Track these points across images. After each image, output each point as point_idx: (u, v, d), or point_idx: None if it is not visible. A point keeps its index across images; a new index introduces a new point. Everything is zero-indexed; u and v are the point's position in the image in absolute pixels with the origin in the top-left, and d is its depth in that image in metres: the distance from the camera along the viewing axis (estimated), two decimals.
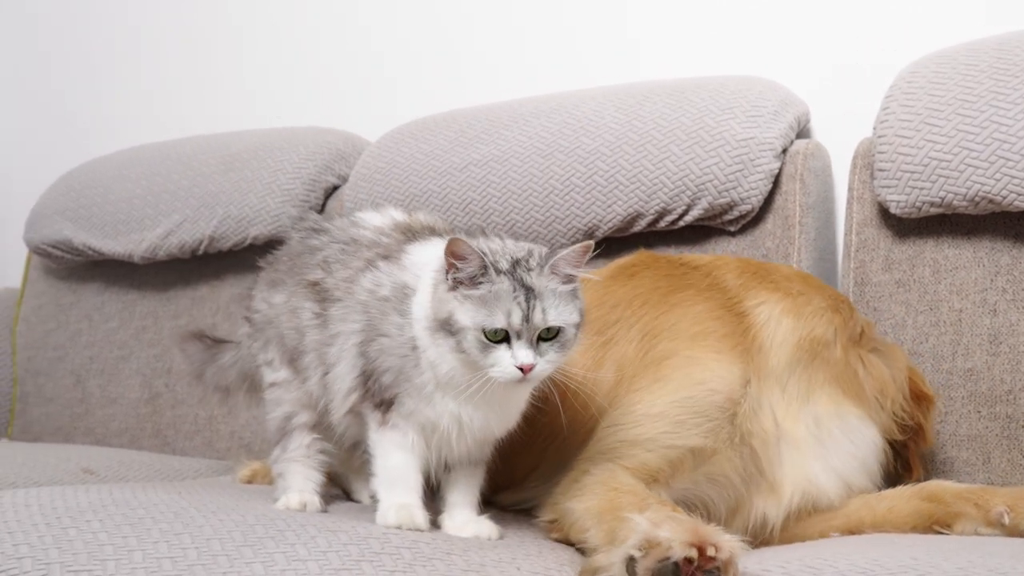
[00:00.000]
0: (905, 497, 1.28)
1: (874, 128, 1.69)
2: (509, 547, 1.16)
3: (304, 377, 1.32)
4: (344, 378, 1.24)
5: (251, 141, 2.38)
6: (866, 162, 1.74)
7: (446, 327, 1.12)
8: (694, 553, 0.87)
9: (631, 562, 0.90)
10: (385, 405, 1.19)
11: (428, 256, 1.20)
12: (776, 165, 1.78)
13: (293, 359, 1.34)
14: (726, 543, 0.90)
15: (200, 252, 2.34)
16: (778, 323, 1.34)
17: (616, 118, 1.89)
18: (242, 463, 1.76)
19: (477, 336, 1.10)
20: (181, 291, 2.43)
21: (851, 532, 1.26)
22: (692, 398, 1.25)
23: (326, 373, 1.27)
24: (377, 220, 1.33)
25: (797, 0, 2.05)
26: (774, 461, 1.28)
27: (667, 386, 1.26)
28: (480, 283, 1.11)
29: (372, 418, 1.21)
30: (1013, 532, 1.17)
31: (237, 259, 2.34)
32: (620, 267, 1.49)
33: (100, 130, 2.93)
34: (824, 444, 1.30)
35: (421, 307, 1.16)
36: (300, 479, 1.33)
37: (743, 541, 1.00)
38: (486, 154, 2.00)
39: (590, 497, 1.17)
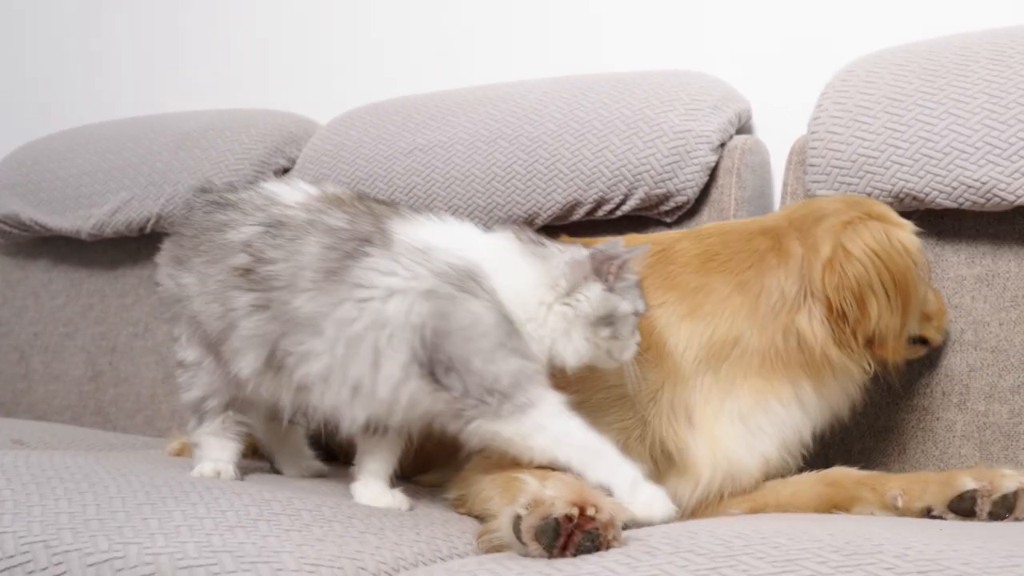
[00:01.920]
0: (809, 483, 1.31)
1: (808, 125, 1.71)
2: (414, 515, 1.18)
3: (226, 361, 1.27)
4: (378, 372, 1.15)
5: (202, 121, 2.39)
6: (800, 158, 1.76)
7: (604, 320, 1.17)
8: (575, 511, 0.88)
9: (517, 520, 0.92)
10: (500, 394, 1.12)
11: (481, 239, 1.23)
12: (713, 158, 1.81)
13: (212, 344, 1.30)
14: (607, 505, 0.91)
15: (148, 230, 2.34)
16: (677, 329, 1.31)
17: (559, 108, 1.91)
18: (173, 436, 1.77)
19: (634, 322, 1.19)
20: (129, 269, 2.43)
21: (754, 513, 1.28)
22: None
23: (295, 367, 1.20)
24: (295, 195, 1.27)
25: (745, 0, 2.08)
26: (688, 455, 1.29)
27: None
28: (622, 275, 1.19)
29: (500, 420, 1.13)
30: (905, 513, 1.19)
31: None
32: None
33: (52, 109, 2.93)
34: (747, 435, 1.31)
35: (529, 292, 1.17)
36: (216, 450, 1.33)
37: None
38: (432, 140, 2.02)
39: (496, 469, 1.19)
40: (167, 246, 1.38)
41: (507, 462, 1.17)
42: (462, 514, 1.25)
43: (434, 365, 1.12)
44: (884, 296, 1.30)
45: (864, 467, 1.54)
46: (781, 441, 1.31)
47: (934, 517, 1.18)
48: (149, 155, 2.37)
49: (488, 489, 1.17)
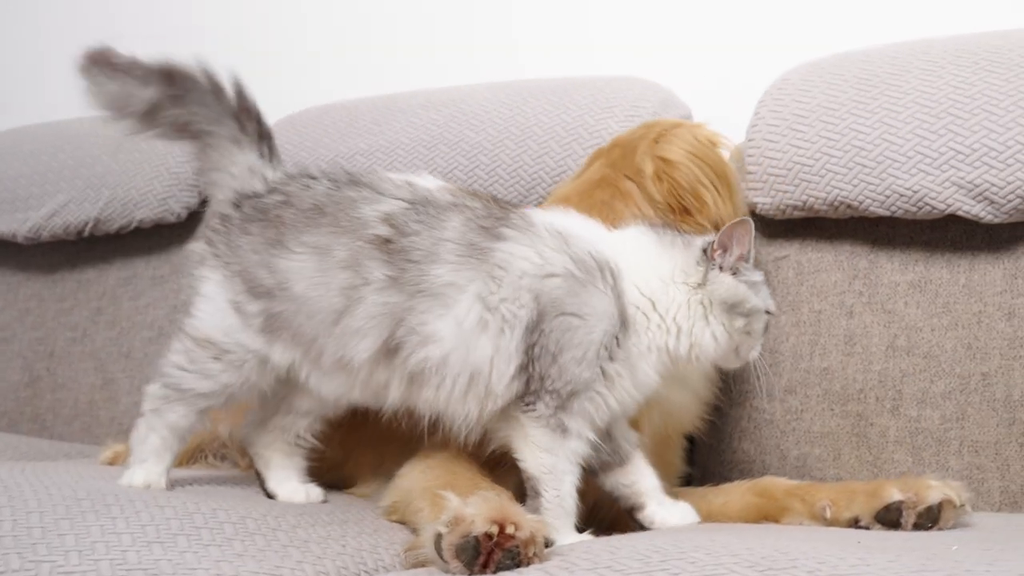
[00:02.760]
0: (740, 492, 1.31)
1: (746, 132, 1.72)
2: (343, 525, 1.17)
3: (317, 353, 1.20)
4: (497, 355, 1.13)
5: None
6: (739, 165, 1.77)
7: (737, 309, 1.17)
8: (494, 529, 0.88)
9: (439, 538, 0.91)
10: (562, 403, 1.12)
11: (612, 235, 1.22)
12: None
13: (305, 333, 1.20)
14: (528, 522, 0.91)
15: (86, 234, 2.30)
16: None
17: (501, 113, 1.91)
18: (107, 444, 1.74)
19: (765, 320, 1.19)
20: (67, 273, 2.40)
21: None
22: None
23: (400, 349, 1.15)
24: (424, 182, 1.24)
25: (686, 7, 2.09)
26: None
27: None
28: (743, 270, 1.18)
29: (539, 421, 1.13)
30: (834, 524, 1.20)
31: (124, 242, 2.32)
32: None
33: None
34: None
35: (665, 281, 1.18)
36: (155, 455, 1.27)
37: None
38: (373, 144, 2.01)
39: (428, 478, 1.18)
40: (255, 231, 1.24)
41: (440, 471, 1.17)
42: (394, 521, 1.24)
43: (537, 349, 1.12)
44: (712, 185, 1.44)
45: (800, 473, 1.56)
46: None
47: (861, 527, 1.19)
48: (88, 158, 2.33)
49: (418, 500, 1.16)
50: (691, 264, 1.18)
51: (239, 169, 1.30)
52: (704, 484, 1.46)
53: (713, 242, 1.18)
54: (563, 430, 1.12)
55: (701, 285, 1.17)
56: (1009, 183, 1.48)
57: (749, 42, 2.02)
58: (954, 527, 1.15)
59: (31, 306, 2.41)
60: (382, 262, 1.15)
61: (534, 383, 1.12)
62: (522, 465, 1.13)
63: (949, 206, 1.52)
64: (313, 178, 1.25)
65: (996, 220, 1.51)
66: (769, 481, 1.32)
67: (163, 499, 1.13)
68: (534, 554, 0.90)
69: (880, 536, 1.06)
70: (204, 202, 2.27)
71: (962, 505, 1.16)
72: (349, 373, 1.19)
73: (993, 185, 1.48)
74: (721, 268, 1.17)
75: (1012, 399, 1.48)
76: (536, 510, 1.09)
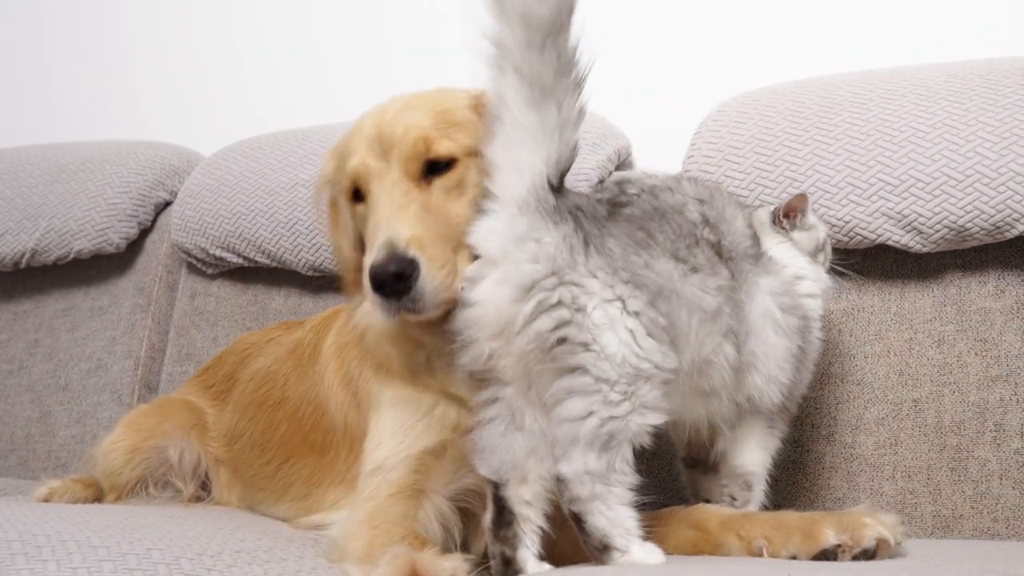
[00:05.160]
0: (675, 524, 1.30)
1: (683, 163, 1.75)
2: (283, 562, 1.16)
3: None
4: (782, 359, 1.27)
5: (80, 153, 2.33)
6: None
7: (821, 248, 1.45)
8: None
9: None
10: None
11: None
12: None
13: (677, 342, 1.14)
14: (442, 572, 0.93)
15: (22, 265, 2.28)
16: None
17: None
18: (41, 481, 1.71)
19: None
20: (3, 305, 2.36)
21: None
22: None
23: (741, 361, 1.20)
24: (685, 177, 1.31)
25: (624, 40, 2.12)
26: None
27: None
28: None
29: (764, 421, 1.31)
30: (775, 558, 1.21)
31: (62, 273, 2.29)
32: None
33: None
34: None
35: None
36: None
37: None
38: (314, 175, 2.00)
39: (356, 529, 1.19)
40: (619, 233, 1.13)
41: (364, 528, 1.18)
42: (333, 561, 1.23)
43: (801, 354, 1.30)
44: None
45: None
46: None
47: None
48: (24, 188, 2.30)
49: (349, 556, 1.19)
50: (813, 244, 1.41)
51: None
52: None
53: (779, 210, 1.40)
54: (773, 431, 1.29)
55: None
56: (936, 214, 1.51)
57: (686, 72, 2.06)
58: (888, 557, 1.17)
59: None
60: (722, 261, 1.20)
61: None
62: (735, 463, 1.26)
63: (879, 236, 1.55)
64: (650, 182, 1.23)
65: (925, 249, 1.55)
66: (702, 513, 1.30)
67: (96, 540, 1.11)
68: None
69: (811, 567, 1.08)
70: (144, 232, 2.26)
71: (898, 543, 1.17)
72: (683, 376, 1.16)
73: (921, 216, 1.52)
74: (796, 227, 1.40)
75: (943, 425, 1.52)
76: (746, 503, 1.27)
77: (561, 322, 1.07)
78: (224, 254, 2.09)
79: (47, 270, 2.30)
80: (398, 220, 1.18)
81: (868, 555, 1.15)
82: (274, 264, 2.05)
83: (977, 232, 1.50)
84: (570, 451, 1.06)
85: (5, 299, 2.36)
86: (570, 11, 1.09)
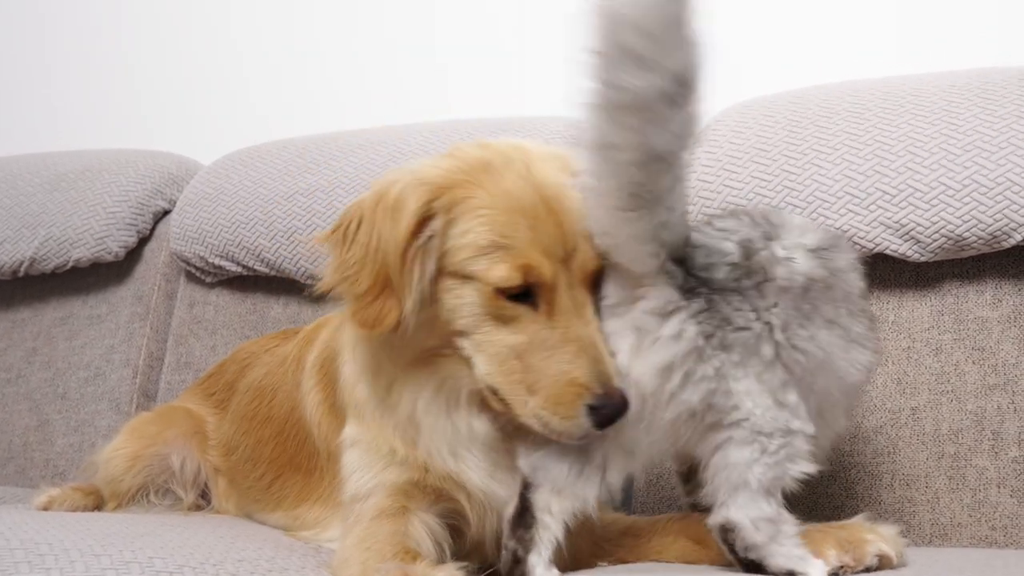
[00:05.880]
0: (673, 535, 1.28)
1: None
2: (285, 571, 1.17)
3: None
4: None
5: (80, 161, 2.34)
6: None
7: None
8: None
9: None
10: None
11: None
12: None
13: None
14: None
15: (21, 273, 2.28)
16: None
17: (438, 152, 1.92)
18: (40, 489, 1.71)
19: None
20: (1, 314, 2.36)
21: (621, 562, 1.29)
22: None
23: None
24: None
25: None
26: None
27: None
28: None
29: None
30: None
31: (60, 282, 2.29)
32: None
33: None
34: None
35: None
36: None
37: None
38: (313, 184, 2.01)
39: (349, 554, 1.20)
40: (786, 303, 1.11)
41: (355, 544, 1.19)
42: None
43: None
44: None
45: None
46: None
47: None
48: (23, 196, 2.31)
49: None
50: None
51: None
52: None
53: None
54: None
55: None
56: (934, 223, 1.52)
57: None
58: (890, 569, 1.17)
59: None
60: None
61: None
62: None
63: (877, 245, 1.56)
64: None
65: (922, 259, 1.56)
66: (701, 527, 1.22)
67: (99, 548, 1.11)
68: None
69: None
70: (143, 241, 2.26)
71: (899, 555, 1.17)
72: None
73: (919, 225, 1.53)
74: None
75: (940, 433, 1.52)
76: None
77: (708, 392, 1.08)
78: (223, 263, 2.09)
79: (45, 278, 2.31)
80: (602, 347, 1.13)
81: (870, 571, 1.15)
82: (273, 273, 2.05)
83: (975, 241, 1.51)
84: (736, 497, 1.08)
85: (3, 307, 2.36)
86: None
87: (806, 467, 1.11)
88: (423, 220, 1.14)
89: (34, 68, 2.77)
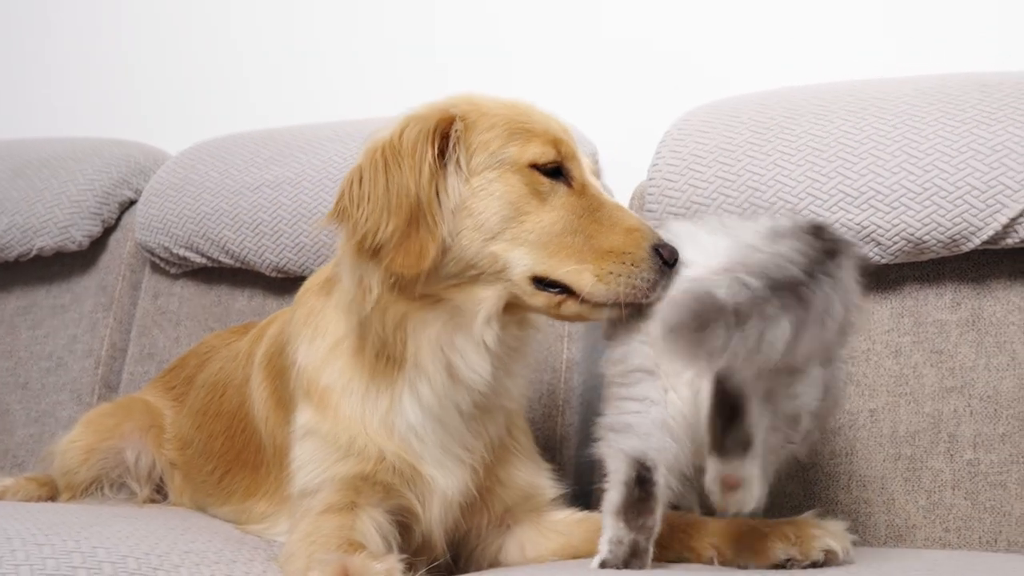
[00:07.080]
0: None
1: (648, 171, 1.76)
2: (232, 564, 1.16)
3: None
4: None
5: (45, 149, 2.31)
6: (641, 203, 1.81)
7: None
8: None
9: None
10: None
11: None
12: None
13: None
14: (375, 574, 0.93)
15: None
16: None
17: None
18: None
19: None
20: None
21: (574, 556, 1.29)
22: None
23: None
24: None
25: (590, 48, 2.13)
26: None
27: None
28: None
29: None
30: (723, 567, 1.21)
31: (23, 270, 2.27)
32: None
33: None
34: None
35: None
36: None
37: None
38: (279, 176, 2.00)
39: (295, 548, 1.19)
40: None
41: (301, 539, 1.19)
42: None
43: None
44: None
45: None
46: None
47: None
48: None
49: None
50: None
51: None
52: None
53: None
54: None
55: None
56: (895, 225, 1.53)
57: (654, 80, 2.07)
58: (837, 565, 1.18)
59: None
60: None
61: None
62: None
63: None
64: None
65: (883, 261, 1.56)
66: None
67: (42, 537, 1.10)
68: None
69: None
70: (108, 230, 2.24)
71: (846, 551, 1.17)
72: None
73: (879, 227, 1.53)
74: None
75: (898, 435, 1.53)
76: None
77: None
78: (188, 254, 2.08)
79: (8, 267, 2.28)
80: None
81: (817, 566, 1.15)
82: (238, 265, 2.04)
83: (934, 245, 1.52)
84: None
85: None
86: None
87: None
88: (442, 141, 1.20)
89: (6, 57, 2.74)
